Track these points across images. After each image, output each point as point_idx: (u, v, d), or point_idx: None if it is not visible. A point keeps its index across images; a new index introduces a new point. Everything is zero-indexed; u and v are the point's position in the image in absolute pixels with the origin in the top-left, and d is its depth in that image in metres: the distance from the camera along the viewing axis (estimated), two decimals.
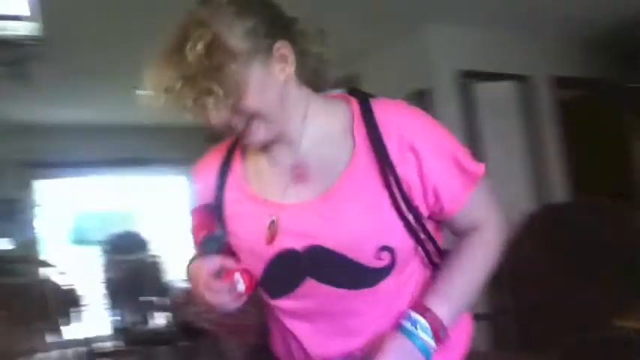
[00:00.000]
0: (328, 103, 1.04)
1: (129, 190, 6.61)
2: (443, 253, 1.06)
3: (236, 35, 0.90)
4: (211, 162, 1.11)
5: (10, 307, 2.71)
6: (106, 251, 5.51)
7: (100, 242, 5.65)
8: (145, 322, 4.72)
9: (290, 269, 0.98)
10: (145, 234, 5.85)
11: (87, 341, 4.11)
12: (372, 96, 1.03)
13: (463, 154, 1.01)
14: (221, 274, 0.97)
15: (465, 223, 1.04)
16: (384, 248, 0.94)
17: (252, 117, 0.94)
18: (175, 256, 5.57)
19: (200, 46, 0.87)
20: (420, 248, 1.01)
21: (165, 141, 5.68)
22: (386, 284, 0.97)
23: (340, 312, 0.99)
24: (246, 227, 1.03)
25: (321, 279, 0.96)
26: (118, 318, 4.95)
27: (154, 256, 5.40)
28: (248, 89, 0.91)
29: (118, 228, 5.91)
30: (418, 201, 0.97)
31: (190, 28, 0.89)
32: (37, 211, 5.70)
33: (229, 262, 0.99)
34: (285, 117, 0.98)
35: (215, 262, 0.99)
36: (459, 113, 3.93)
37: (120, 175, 6.34)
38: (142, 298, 4.76)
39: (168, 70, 0.90)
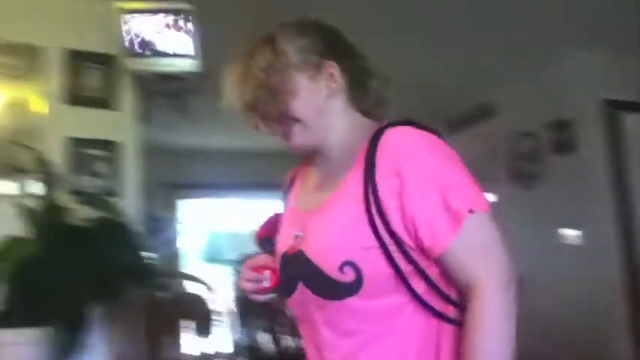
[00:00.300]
0: (365, 125, 1.08)
1: (263, 212, 6.91)
2: (457, 305, 0.98)
3: (292, 49, 1.04)
4: (290, 174, 1.26)
5: (155, 316, 2.93)
6: (237, 270, 5.77)
7: (232, 261, 5.93)
8: (273, 342, 4.85)
9: (288, 272, 1.07)
10: None
11: (217, 355, 4.31)
12: (414, 124, 1.01)
13: (456, 192, 0.93)
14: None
15: (458, 271, 0.95)
16: (348, 263, 0.94)
17: (293, 121, 1.05)
18: None
19: (261, 57, 1.05)
20: (402, 282, 0.96)
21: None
22: (352, 303, 0.96)
23: (321, 322, 1.02)
24: (280, 232, 1.15)
25: (306, 284, 1.01)
26: (245, 336, 5.14)
27: None
28: (293, 96, 1.03)
29: (250, 249, 6.17)
30: (396, 226, 0.94)
31: (259, 43, 1.07)
32: (179, 228, 6.15)
33: (271, 262, 1.13)
34: (324, 128, 1.06)
35: (262, 259, 1.15)
36: (603, 146, 3.70)
37: (256, 198, 6.65)
38: (269, 319, 4.89)
39: (234, 77, 1.07)
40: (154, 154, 3.26)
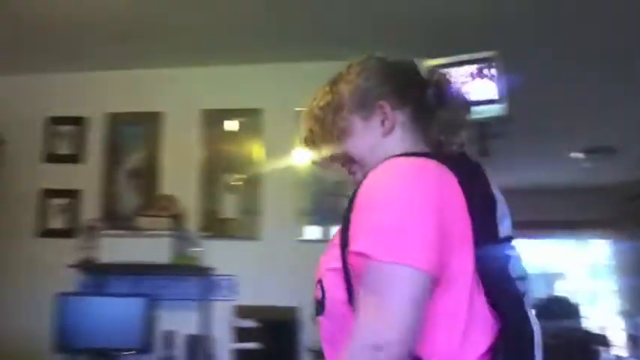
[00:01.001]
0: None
1: (559, 252, 6.52)
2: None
3: (348, 90, 1.07)
4: None
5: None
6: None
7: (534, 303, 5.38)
8: None
9: None
10: (574, 300, 5.71)
11: None
12: (442, 158, 0.95)
13: (379, 233, 0.83)
14: None
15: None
16: (319, 282, 0.96)
17: (348, 160, 1.08)
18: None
19: (321, 96, 1.10)
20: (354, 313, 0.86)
21: (595, 203, 5.61)
22: (323, 322, 0.96)
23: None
24: None
25: None
26: None
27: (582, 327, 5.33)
28: (348, 136, 1.06)
29: (547, 291, 5.99)
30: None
31: (324, 85, 1.12)
32: None
33: None
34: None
35: None
36: None
37: (552, 237, 6.27)
38: None
39: (302, 114, 1.14)
40: None
